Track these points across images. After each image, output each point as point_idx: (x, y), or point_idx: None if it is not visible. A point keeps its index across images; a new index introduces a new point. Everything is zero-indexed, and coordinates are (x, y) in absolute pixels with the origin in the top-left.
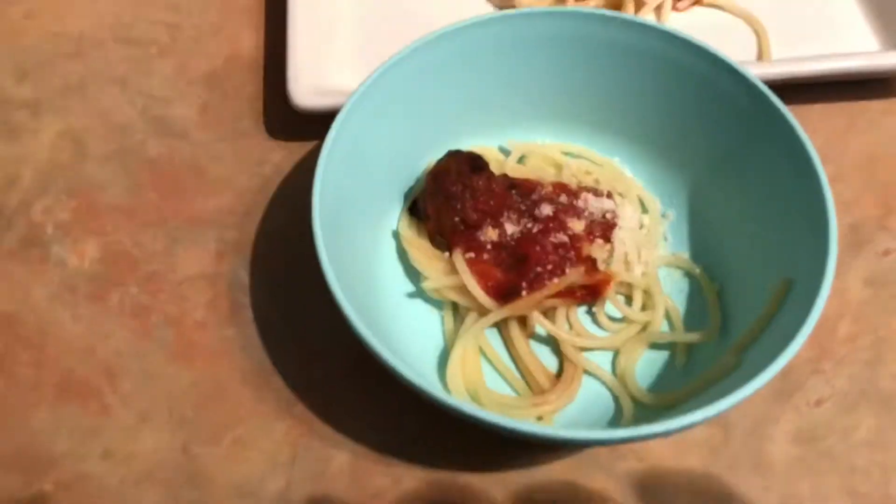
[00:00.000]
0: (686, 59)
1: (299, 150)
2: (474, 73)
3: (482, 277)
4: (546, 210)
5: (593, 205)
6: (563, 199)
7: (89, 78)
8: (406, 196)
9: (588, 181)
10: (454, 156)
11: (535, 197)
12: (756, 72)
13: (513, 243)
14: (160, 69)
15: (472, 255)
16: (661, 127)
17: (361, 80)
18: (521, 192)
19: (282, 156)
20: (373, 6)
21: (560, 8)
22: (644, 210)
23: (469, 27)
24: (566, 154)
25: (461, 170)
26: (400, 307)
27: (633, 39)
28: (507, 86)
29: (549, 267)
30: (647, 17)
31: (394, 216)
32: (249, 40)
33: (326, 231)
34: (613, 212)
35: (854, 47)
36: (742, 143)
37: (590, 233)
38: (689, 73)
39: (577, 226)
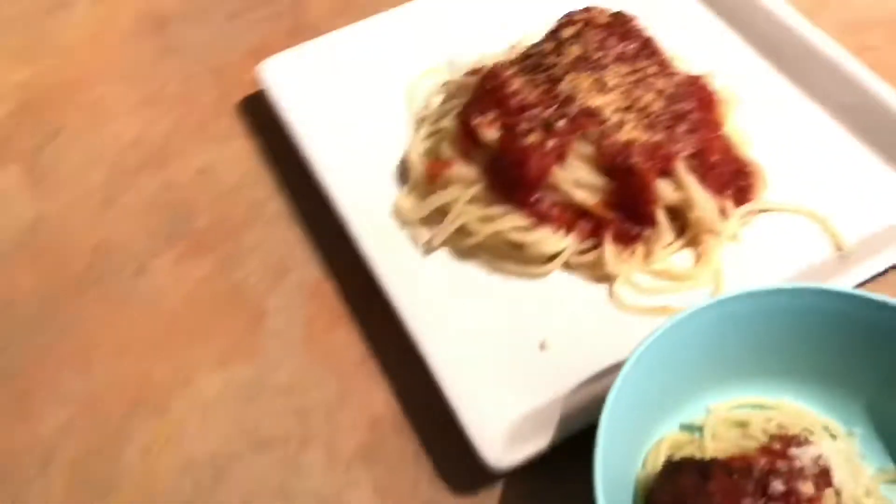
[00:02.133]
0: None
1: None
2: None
3: None
4: (778, 486)
5: (803, 457)
6: (781, 464)
7: None
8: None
9: (772, 429)
10: (678, 471)
11: (756, 475)
12: None
13: None
14: (311, 462)
15: None
16: (824, 362)
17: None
18: (741, 475)
19: None
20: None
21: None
22: (832, 436)
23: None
24: (739, 408)
25: (695, 483)
26: None
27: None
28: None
29: None
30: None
31: None
32: (379, 398)
33: None
34: (820, 455)
35: None
36: None
37: (817, 488)
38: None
39: (808, 487)
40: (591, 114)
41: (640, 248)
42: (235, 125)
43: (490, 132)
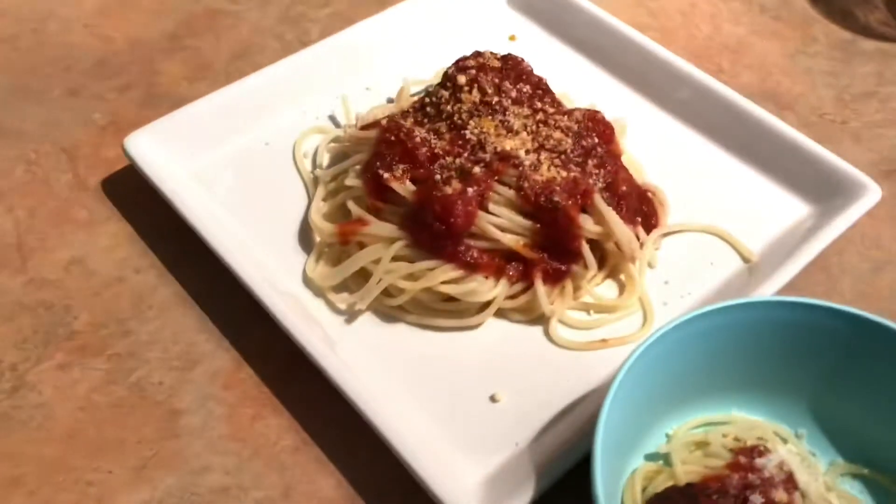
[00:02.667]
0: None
1: None
2: None
3: None
4: (757, 499)
5: (769, 466)
6: (752, 477)
7: None
8: None
9: (730, 443)
10: (665, 503)
11: (733, 492)
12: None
13: None
14: None
15: None
16: (765, 370)
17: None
18: (721, 496)
19: None
20: None
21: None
22: (783, 440)
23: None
24: (695, 429)
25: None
26: None
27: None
28: None
29: None
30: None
31: None
32: (327, 483)
33: None
34: (782, 460)
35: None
36: (847, 356)
37: (787, 492)
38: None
39: (781, 495)
40: (505, 157)
41: (568, 285)
42: (101, 208)
43: (404, 186)
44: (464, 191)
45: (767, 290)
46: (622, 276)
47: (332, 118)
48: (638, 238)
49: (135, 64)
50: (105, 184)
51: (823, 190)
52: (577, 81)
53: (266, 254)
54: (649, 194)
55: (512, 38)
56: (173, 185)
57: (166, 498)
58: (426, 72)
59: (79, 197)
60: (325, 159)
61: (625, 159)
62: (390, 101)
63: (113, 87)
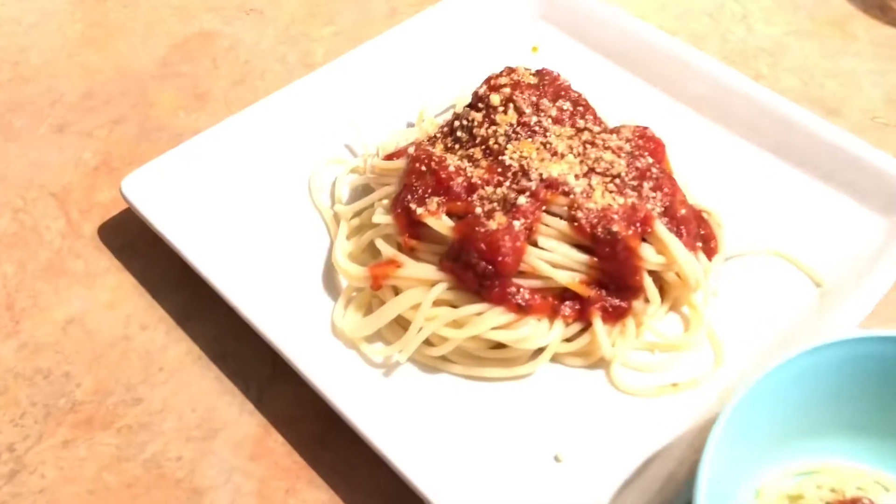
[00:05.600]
0: None
1: None
2: None
3: None
4: None
5: None
6: None
7: None
8: None
9: (827, 496)
10: None
11: None
12: None
13: None
14: None
15: None
16: (862, 412)
17: None
18: None
19: None
20: None
21: None
22: (885, 489)
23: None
24: (784, 480)
25: None
26: None
27: None
28: None
29: None
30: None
31: None
32: None
33: None
34: None
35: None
36: None
37: None
38: None
39: None
40: (553, 184)
41: (629, 323)
42: (98, 258)
43: (440, 221)
44: (510, 224)
45: (848, 320)
46: (684, 309)
47: (348, 147)
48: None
49: (125, 95)
50: (101, 231)
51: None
52: (607, 92)
53: (287, 302)
54: (704, 215)
55: (534, 49)
56: (177, 229)
57: None
58: (445, 92)
59: (73, 246)
60: (344, 193)
61: (677, 179)
62: (410, 125)
63: (103, 121)
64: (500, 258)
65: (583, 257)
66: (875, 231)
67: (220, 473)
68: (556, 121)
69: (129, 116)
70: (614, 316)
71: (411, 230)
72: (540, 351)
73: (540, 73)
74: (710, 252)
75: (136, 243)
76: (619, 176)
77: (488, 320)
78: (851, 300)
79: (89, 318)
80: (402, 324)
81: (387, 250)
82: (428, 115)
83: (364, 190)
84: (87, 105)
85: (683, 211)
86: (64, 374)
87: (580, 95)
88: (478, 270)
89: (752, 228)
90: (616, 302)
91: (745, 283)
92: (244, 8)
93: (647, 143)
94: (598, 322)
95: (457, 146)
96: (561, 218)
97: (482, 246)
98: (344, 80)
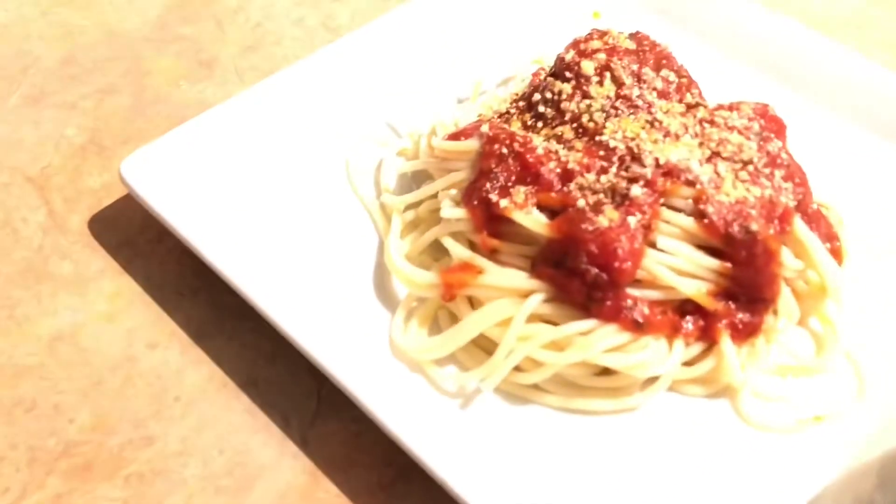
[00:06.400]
0: None
1: None
2: None
3: None
4: None
5: None
6: None
7: None
8: None
9: None
10: None
11: None
12: None
13: None
14: None
15: None
16: None
17: None
18: None
19: None
20: None
21: None
22: None
23: None
24: None
25: None
26: None
27: None
28: None
29: None
30: None
31: None
32: None
33: None
34: None
35: None
36: None
37: None
38: None
39: None
40: (672, 171)
41: (760, 342)
42: (90, 258)
43: (531, 216)
44: (624, 221)
45: None
46: (811, 323)
47: (391, 126)
48: None
49: (114, 61)
50: (92, 224)
51: None
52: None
53: (331, 314)
54: (823, 210)
55: (596, 14)
56: (192, 223)
57: None
58: (497, 61)
59: (57, 244)
60: (390, 181)
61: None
62: (461, 101)
63: (88, 91)
64: (617, 263)
65: (712, 262)
66: None
67: None
68: (662, 94)
69: (121, 86)
70: (744, 334)
71: (491, 227)
72: (653, 378)
73: (636, 37)
74: (836, 255)
75: (136, 240)
76: (750, 162)
77: (599, 341)
78: None
79: (82, 334)
80: (479, 343)
81: (459, 252)
82: (485, 87)
83: (415, 177)
84: (68, 72)
85: (815, 206)
86: (53, 407)
87: (682, 66)
88: (587, 279)
89: (872, 226)
90: (747, 317)
91: (870, 289)
92: None
93: (769, 125)
94: (726, 341)
95: (539, 124)
96: (684, 213)
97: (594, 248)
98: (376, 47)
